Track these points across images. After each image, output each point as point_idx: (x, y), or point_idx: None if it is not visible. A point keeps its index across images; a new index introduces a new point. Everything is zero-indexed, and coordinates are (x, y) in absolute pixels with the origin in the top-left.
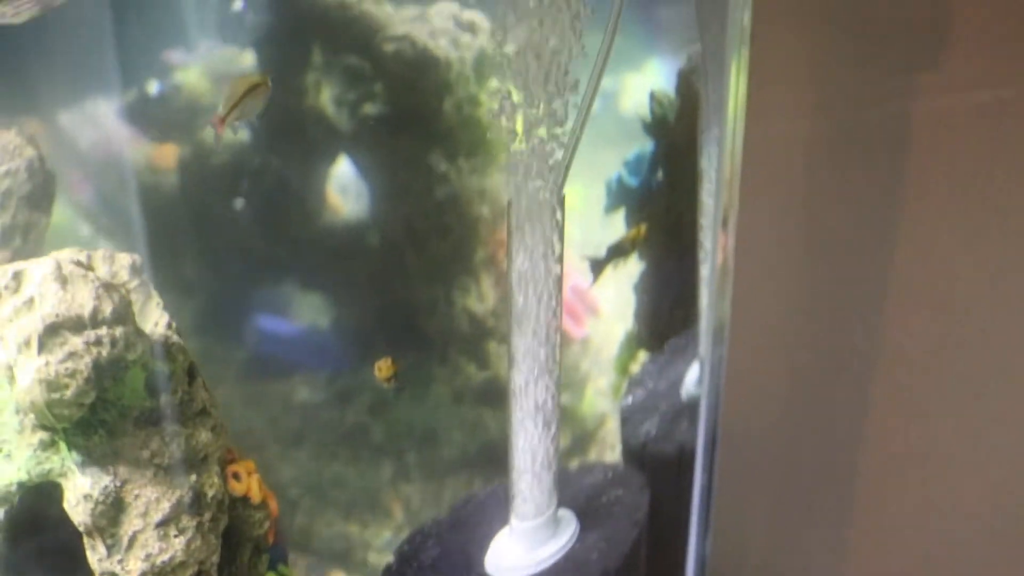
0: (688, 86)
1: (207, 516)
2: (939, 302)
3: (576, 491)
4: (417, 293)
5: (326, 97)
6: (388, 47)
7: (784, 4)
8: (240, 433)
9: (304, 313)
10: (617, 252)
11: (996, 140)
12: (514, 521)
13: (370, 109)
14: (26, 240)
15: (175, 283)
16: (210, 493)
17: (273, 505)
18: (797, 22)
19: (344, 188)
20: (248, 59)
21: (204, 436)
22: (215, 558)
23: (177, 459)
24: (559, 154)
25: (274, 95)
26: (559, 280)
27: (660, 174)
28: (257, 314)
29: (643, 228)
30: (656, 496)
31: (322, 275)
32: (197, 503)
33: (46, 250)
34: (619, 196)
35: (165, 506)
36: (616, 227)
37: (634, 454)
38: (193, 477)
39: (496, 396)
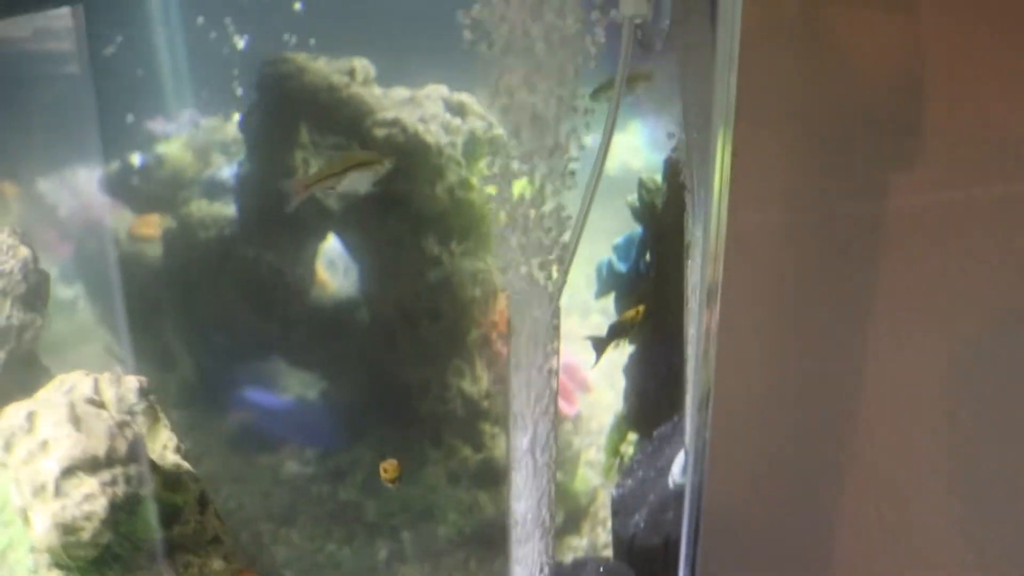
0: (675, 173)
1: None
2: (912, 392)
3: None
4: (409, 373)
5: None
6: (379, 132)
7: (765, 96)
8: (231, 510)
9: (292, 388)
10: (618, 332)
11: (965, 237)
12: None
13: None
14: (20, 341)
15: (160, 353)
16: None
17: None
18: (777, 114)
19: (332, 263)
20: (231, 130)
21: (217, 564)
22: None
23: None
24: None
25: (261, 172)
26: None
27: (650, 259)
28: (245, 387)
29: (641, 308)
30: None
31: (311, 352)
32: None
33: (39, 347)
34: (609, 282)
35: None
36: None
37: (624, 546)
38: None
39: (492, 477)
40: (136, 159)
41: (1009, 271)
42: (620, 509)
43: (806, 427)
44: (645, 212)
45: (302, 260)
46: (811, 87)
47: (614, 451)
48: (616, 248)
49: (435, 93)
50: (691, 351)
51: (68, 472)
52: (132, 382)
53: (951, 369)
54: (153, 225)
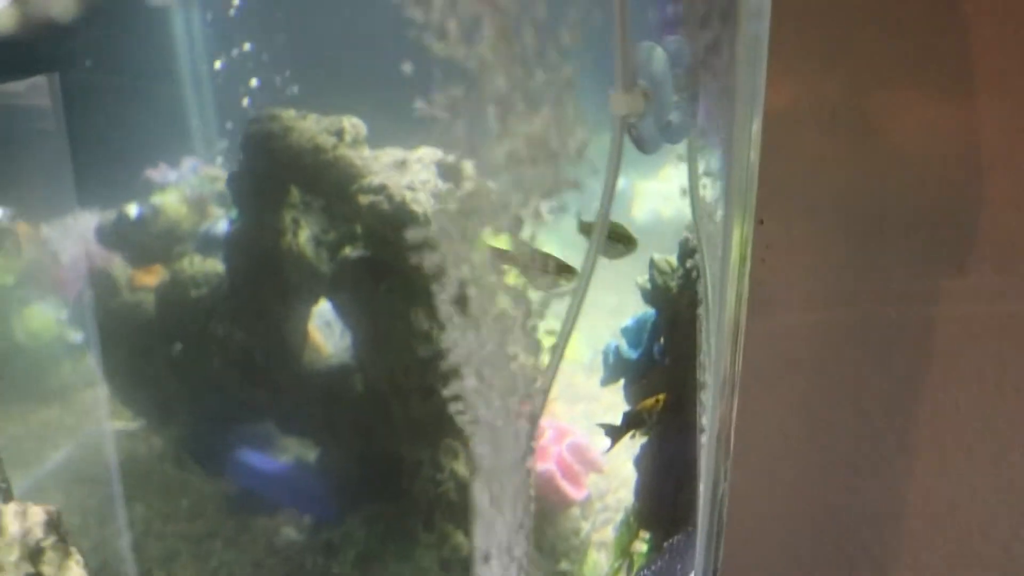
0: (691, 254)
1: None
2: (951, 518)
3: None
4: (402, 448)
5: (304, 237)
6: (364, 199)
7: (793, 190)
8: None
9: (286, 452)
10: (635, 422)
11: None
12: None
13: (350, 253)
14: None
15: (157, 406)
16: None
17: None
18: (807, 209)
19: (328, 325)
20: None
21: None
22: None
23: None
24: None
25: (250, 231)
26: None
27: (663, 345)
28: (237, 448)
29: (662, 398)
30: None
31: (302, 419)
32: None
33: None
34: (617, 368)
35: None
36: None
37: None
38: None
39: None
40: (133, 211)
41: None
42: None
43: (825, 548)
44: (658, 295)
45: (293, 323)
46: (849, 176)
47: (623, 551)
48: (625, 331)
49: (428, 157)
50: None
51: None
52: (39, 514)
53: (1006, 507)
54: (157, 275)
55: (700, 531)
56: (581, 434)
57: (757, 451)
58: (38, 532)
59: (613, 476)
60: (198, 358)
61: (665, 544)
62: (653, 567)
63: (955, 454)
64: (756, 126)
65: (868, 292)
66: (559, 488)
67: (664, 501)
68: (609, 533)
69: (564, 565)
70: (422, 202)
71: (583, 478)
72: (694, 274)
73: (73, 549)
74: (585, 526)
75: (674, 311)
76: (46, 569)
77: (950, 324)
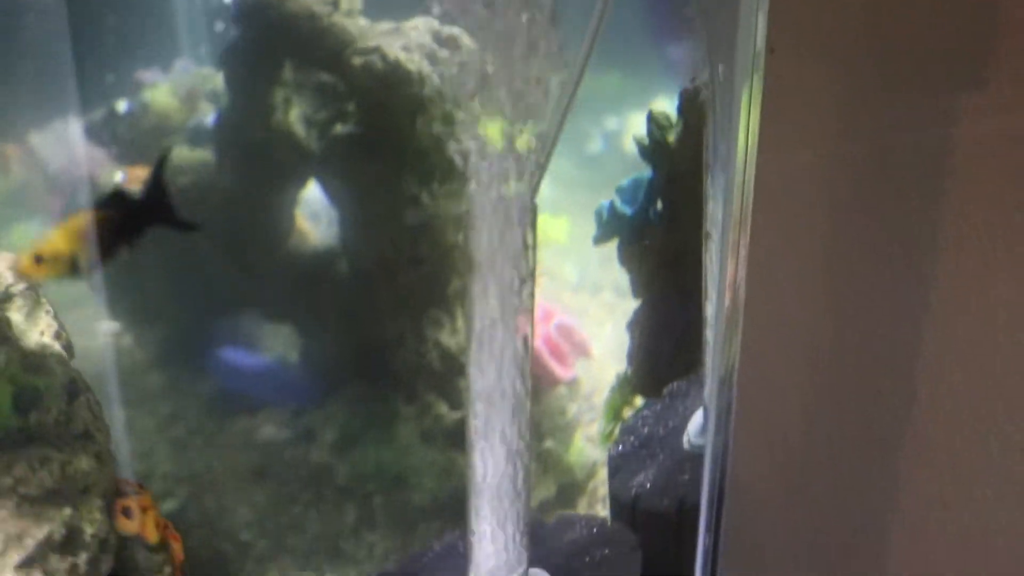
0: (692, 106)
1: (84, 558)
2: (978, 348)
3: (552, 549)
4: (386, 325)
5: (294, 116)
6: (357, 60)
7: (804, 21)
8: (198, 472)
9: (270, 345)
10: None
11: None
12: None
13: (340, 129)
14: None
15: (142, 308)
16: (89, 530)
17: (177, 548)
18: (818, 40)
19: (316, 215)
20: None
21: (85, 463)
22: None
23: (48, 488)
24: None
25: (240, 112)
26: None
27: (659, 203)
28: (223, 346)
29: None
30: (649, 559)
31: (286, 304)
32: (72, 542)
33: None
34: (611, 226)
35: (29, 544)
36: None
37: (624, 509)
38: (68, 511)
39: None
40: (122, 106)
41: None
42: (620, 467)
43: (845, 392)
44: (656, 150)
45: (281, 206)
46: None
47: (615, 415)
48: (620, 190)
49: (423, 25)
50: (712, 308)
51: None
52: (7, 259)
53: None
54: (142, 178)
55: (710, 404)
56: (569, 316)
57: (770, 304)
58: (8, 278)
59: (599, 373)
60: (185, 248)
61: (665, 390)
62: (652, 409)
63: (981, 262)
64: None
65: (884, 122)
66: (546, 366)
67: (659, 365)
68: (593, 429)
69: (549, 444)
70: (416, 62)
71: (570, 359)
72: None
73: (44, 300)
74: (572, 408)
75: (673, 167)
76: (15, 315)
77: (968, 144)
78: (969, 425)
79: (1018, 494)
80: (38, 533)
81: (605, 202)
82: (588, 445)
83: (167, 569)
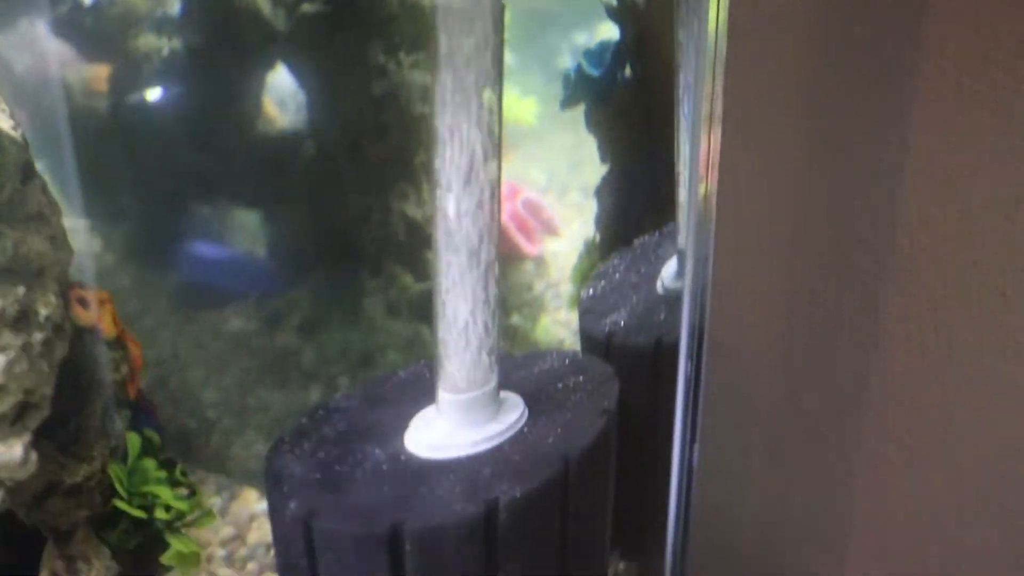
0: None
1: (38, 338)
2: (959, 194)
3: (523, 377)
4: (353, 203)
5: None
6: None
7: None
8: (163, 359)
9: (236, 233)
10: None
11: None
12: (443, 395)
13: (309, 8)
14: None
15: (110, 207)
16: (44, 312)
17: (135, 351)
18: None
19: (283, 102)
20: None
21: (38, 245)
22: (47, 390)
23: (0, 266)
24: None
25: None
26: (498, 97)
27: (627, 66)
28: (189, 239)
29: None
30: (627, 393)
31: (252, 189)
32: (25, 320)
33: None
34: (579, 89)
35: None
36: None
37: (597, 346)
38: (21, 289)
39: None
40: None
41: None
42: (592, 309)
43: (826, 236)
44: (624, 10)
45: (247, 90)
46: None
47: (584, 280)
48: (587, 54)
49: None
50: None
51: None
52: None
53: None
54: (103, 80)
55: (687, 251)
56: (534, 191)
57: (747, 152)
58: None
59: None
60: (152, 137)
61: (636, 241)
62: (625, 258)
63: (958, 100)
64: None
65: None
66: (512, 240)
67: (627, 226)
68: (563, 315)
69: (516, 319)
70: None
71: (537, 235)
72: None
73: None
74: (539, 285)
75: (641, 26)
76: None
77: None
78: (952, 265)
79: (998, 339)
80: None
81: (573, 64)
82: (555, 325)
83: (124, 368)
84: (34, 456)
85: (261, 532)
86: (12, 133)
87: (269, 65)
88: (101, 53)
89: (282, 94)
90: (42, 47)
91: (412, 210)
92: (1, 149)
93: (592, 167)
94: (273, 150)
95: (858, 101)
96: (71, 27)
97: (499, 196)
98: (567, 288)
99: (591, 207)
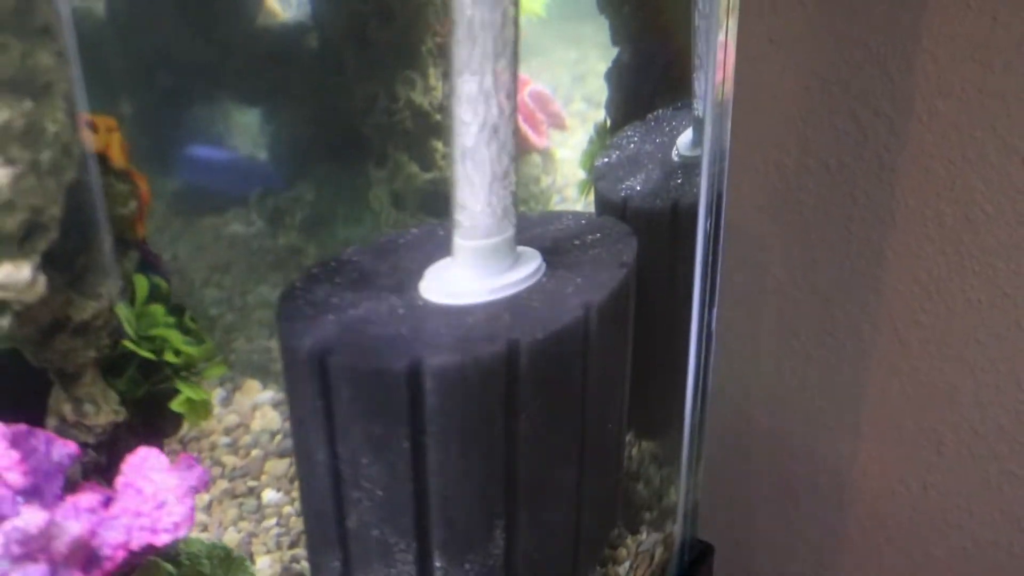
0: None
1: (46, 155)
2: (982, 62)
3: (539, 234)
4: (356, 92)
5: None
6: None
7: None
8: (164, 260)
9: (236, 132)
10: None
11: None
12: (460, 242)
13: None
14: None
15: (99, 103)
16: (51, 128)
17: (144, 186)
18: None
19: None
20: None
21: (46, 59)
22: (55, 211)
23: (7, 78)
24: None
25: None
26: None
27: None
28: (190, 140)
29: None
30: (644, 257)
31: (254, 83)
32: (32, 136)
33: None
34: None
35: None
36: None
37: (614, 209)
38: (28, 104)
39: (443, 204)
40: None
41: None
42: (606, 175)
43: (837, 127)
44: None
45: None
46: None
47: (592, 167)
48: None
49: None
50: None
51: None
52: None
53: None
54: None
55: (703, 103)
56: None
57: (766, 30)
58: None
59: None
60: (153, 33)
61: (648, 115)
62: (639, 129)
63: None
64: None
65: None
66: (520, 131)
67: (640, 107)
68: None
69: (524, 209)
70: None
71: (544, 127)
72: None
73: None
74: (546, 180)
75: None
76: None
77: None
78: (969, 130)
79: (1016, 205)
80: None
81: None
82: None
83: (132, 203)
84: (42, 279)
85: (264, 420)
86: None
87: None
88: None
89: None
90: None
91: (419, 97)
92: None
93: (596, 80)
94: (274, 43)
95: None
96: None
97: (516, 48)
98: (572, 193)
99: (592, 115)
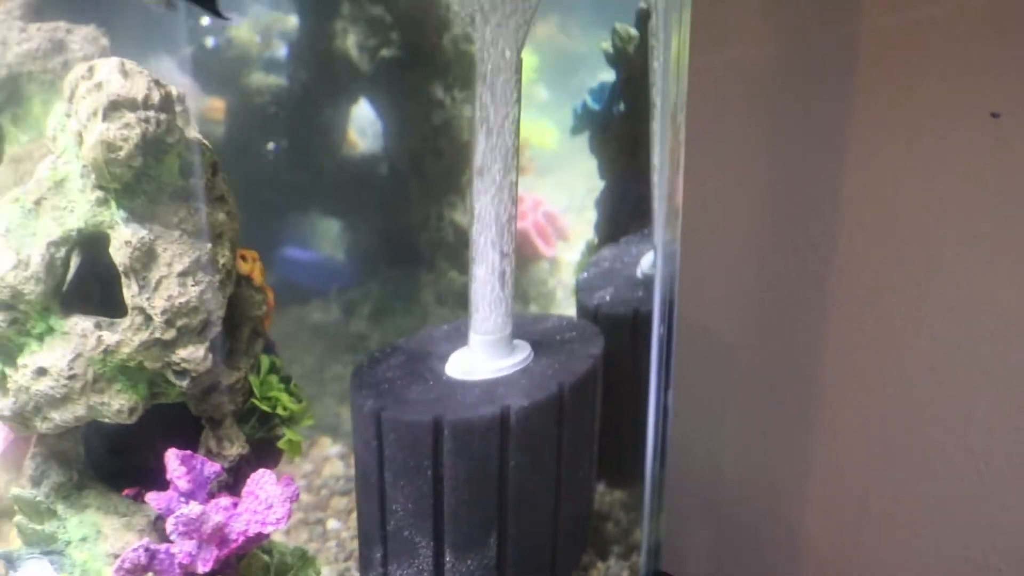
0: (645, 23)
1: (218, 278)
2: (886, 201)
3: (530, 330)
4: (414, 212)
5: (350, 43)
6: None
7: None
8: None
9: (321, 237)
10: None
11: (929, 55)
12: (473, 336)
13: (386, 53)
14: None
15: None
16: (222, 261)
17: (271, 297)
18: None
19: (363, 130)
20: (292, 20)
21: (221, 217)
22: (220, 314)
23: (198, 228)
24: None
25: (308, 42)
26: (516, 127)
27: (621, 102)
28: (282, 241)
29: None
30: (611, 350)
31: (338, 201)
32: (211, 265)
33: None
34: (584, 120)
35: (186, 261)
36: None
37: (588, 314)
38: (209, 245)
39: None
40: (210, 42)
41: (971, 76)
42: (585, 287)
43: (777, 240)
44: (618, 57)
45: (336, 119)
46: None
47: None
48: (591, 92)
49: None
50: (657, 177)
51: (113, 105)
52: (173, 90)
53: (918, 176)
54: (219, 110)
55: (656, 235)
56: (553, 205)
57: (707, 178)
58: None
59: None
60: (257, 155)
61: (622, 239)
62: (612, 250)
63: (884, 130)
64: None
65: (804, 20)
66: (533, 243)
67: (618, 230)
68: (569, 309)
69: (533, 307)
70: None
71: (553, 239)
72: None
73: (193, 120)
74: (552, 281)
75: (631, 71)
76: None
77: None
78: (881, 260)
79: (915, 320)
80: (192, 255)
81: (580, 101)
82: (565, 312)
83: (264, 307)
84: (210, 357)
85: (332, 468)
86: (203, 140)
87: (353, 99)
88: (219, 87)
89: (362, 123)
90: (173, 80)
91: (459, 217)
92: (200, 152)
93: None
94: (354, 169)
95: (799, 123)
96: (196, 65)
97: (516, 194)
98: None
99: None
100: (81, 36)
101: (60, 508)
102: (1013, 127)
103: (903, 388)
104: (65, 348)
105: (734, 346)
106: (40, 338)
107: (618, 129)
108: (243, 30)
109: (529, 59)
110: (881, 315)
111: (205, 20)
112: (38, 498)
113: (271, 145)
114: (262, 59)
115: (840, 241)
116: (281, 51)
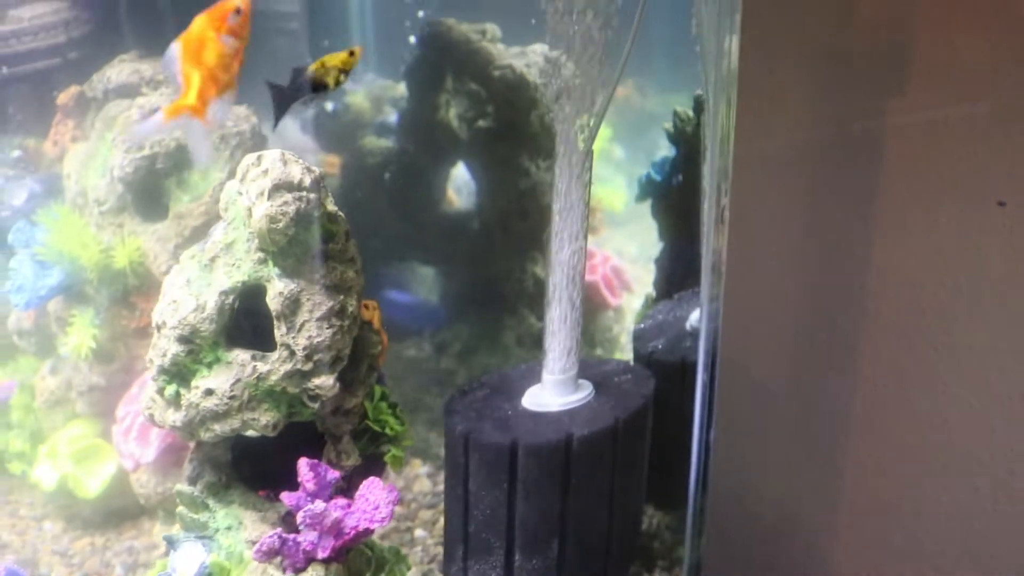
0: (700, 107)
1: (347, 322)
2: (908, 273)
3: (593, 372)
4: (500, 264)
5: (452, 114)
6: (496, 73)
7: (772, 38)
8: None
9: (418, 283)
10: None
11: (945, 150)
12: (545, 375)
13: (482, 124)
14: None
15: None
16: (349, 309)
17: (385, 339)
18: (783, 55)
19: (459, 189)
20: (401, 88)
21: (351, 274)
22: (347, 352)
23: (334, 283)
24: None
25: (416, 110)
26: (587, 198)
27: (679, 175)
28: (387, 285)
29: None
30: (662, 392)
31: (436, 251)
32: (342, 312)
33: None
34: (647, 189)
35: (324, 309)
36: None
37: (643, 360)
38: (341, 297)
39: None
40: (329, 107)
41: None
42: (641, 336)
43: (813, 301)
44: (678, 136)
45: (438, 179)
46: (816, 31)
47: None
48: (654, 164)
49: (538, 49)
50: (705, 238)
51: (276, 187)
52: (316, 172)
53: (938, 258)
54: (334, 165)
55: (702, 294)
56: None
57: (747, 254)
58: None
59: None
60: (368, 211)
61: (675, 295)
62: (667, 305)
63: (905, 215)
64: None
65: (838, 114)
66: (601, 294)
67: (673, 286)
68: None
69: (599, 351)
70: (533, 74)
71: (619, 291)
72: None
73: (331, 196)
74: (616, 328)
75: (689, 149)
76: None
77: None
78: (904, 324)
79: (931, 379)
80: (329, 303)
81: (644, 173)
82: (626, 356)
83: (379, 347)
84: (337, 385)
85: (421, 485)
86: (341, 215)
87: (453, 162)
88: (336, 146)
89: (459, 183)
90: (295, 138)
91: (539, 271)
92: (338, 221)
93: None
94: (450, 224)
95: (839, 207)
96: (317, 126)
97: (585, 253)
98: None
99: None
100: (235, 115)
101: (211, 502)
102: (1018, 215)
103: (919, 438)
104: (228, 374)
105: (775, 394)
106: (210, 366)
107: (676, 198)
108: (359, 97)
109: (603, 130)
110: (902, 372)
111: None
112: (195, 493)
113: (379, 200)
114: (374, 124)
115: (868, 305)
116: (391, 117)
